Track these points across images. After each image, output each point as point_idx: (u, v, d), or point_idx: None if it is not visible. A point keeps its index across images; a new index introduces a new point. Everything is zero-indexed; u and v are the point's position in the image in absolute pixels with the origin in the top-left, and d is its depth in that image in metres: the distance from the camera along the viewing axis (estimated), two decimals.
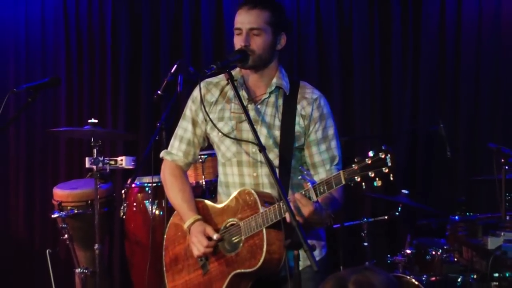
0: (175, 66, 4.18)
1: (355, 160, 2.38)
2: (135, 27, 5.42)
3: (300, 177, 2.55)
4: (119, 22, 5.42)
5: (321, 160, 2.73)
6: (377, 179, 2.33)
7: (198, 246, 2.67)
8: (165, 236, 2.89)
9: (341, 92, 5.23)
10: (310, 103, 2.73)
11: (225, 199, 2.75)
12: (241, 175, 2.72)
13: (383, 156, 2.32)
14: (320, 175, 2.71)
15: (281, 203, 2.50)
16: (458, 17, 5.12)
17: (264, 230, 2.54)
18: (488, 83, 5.09)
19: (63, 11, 5.44)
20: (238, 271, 2.61)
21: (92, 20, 5.44)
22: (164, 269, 2.86)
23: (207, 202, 2.80)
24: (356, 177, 2.36)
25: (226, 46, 5.22)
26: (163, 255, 2.87)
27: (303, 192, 2.49)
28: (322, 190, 2.46)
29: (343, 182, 2.41)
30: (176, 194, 2.82)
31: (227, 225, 2.68)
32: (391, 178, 2.32)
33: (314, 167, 2.74)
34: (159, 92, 4.14)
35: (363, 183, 2.36)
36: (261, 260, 2.52)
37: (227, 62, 2.63)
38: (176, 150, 2.86)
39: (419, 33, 5.17)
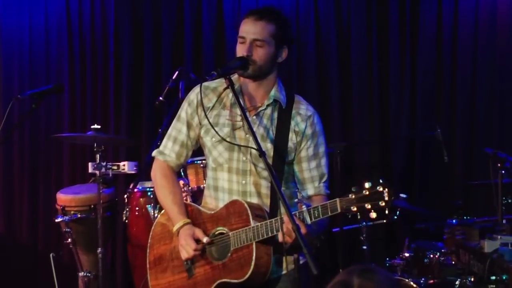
0: (177, 72, 4.23)
1: (352, 189, 2.40)
2: (137, 34, 5.45)
3: (296, 199, 2.55)
4: (121, 29, 5.45)
5: (310, 176, 2.76)
6: (372, 211, 2.35)
7: (186, 248, 2.66)
8: (150, 234, 2.88)
9: (339, 98, 5.26)
10: (304, 119, 2.74)
11: (212, 202, 2.76)
12: (230, 181, 2.71)
13: (380, 190, 2.34)
14: (309, 191, 2.76)
15: (273, 221, 2.51)
16: (455, 23, 5.16)
17: (254, 243, 2.54)
18: (484, 89, 5.12)
19: (66, 19, 5.46)
20: (224, 280, 2.61)
21: (95, 28, 5.48)
22: (148, 266, 2.85)
23: (196, 206, 2.79)
24: (352, 207, 2.38)
25: (227, 53, 5.26)
26: (147, 253, 2.86)
27: (297, 214, 2.48)
28: (317, 215, 2.47)
29: (339, 210, 2.42)
30: (166, 196, 2.80)
31: (216, 233, 2.67)
32: (386, 212, 2.33)
33: (304, 183, 2.76)
34: (160, 98, 4.20)
35: (359, 214, 2.39)
36: (249, 273, 2.54)
37: (228, 69, 2.63)
38: (169, 151, 2.83)
39: (416, 40, 5.22)
